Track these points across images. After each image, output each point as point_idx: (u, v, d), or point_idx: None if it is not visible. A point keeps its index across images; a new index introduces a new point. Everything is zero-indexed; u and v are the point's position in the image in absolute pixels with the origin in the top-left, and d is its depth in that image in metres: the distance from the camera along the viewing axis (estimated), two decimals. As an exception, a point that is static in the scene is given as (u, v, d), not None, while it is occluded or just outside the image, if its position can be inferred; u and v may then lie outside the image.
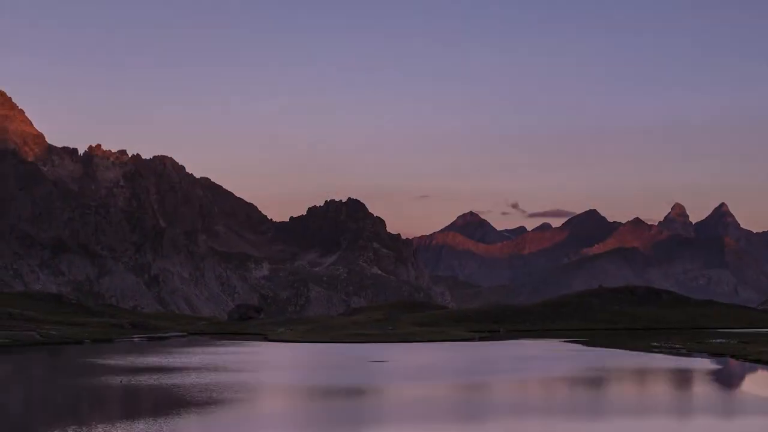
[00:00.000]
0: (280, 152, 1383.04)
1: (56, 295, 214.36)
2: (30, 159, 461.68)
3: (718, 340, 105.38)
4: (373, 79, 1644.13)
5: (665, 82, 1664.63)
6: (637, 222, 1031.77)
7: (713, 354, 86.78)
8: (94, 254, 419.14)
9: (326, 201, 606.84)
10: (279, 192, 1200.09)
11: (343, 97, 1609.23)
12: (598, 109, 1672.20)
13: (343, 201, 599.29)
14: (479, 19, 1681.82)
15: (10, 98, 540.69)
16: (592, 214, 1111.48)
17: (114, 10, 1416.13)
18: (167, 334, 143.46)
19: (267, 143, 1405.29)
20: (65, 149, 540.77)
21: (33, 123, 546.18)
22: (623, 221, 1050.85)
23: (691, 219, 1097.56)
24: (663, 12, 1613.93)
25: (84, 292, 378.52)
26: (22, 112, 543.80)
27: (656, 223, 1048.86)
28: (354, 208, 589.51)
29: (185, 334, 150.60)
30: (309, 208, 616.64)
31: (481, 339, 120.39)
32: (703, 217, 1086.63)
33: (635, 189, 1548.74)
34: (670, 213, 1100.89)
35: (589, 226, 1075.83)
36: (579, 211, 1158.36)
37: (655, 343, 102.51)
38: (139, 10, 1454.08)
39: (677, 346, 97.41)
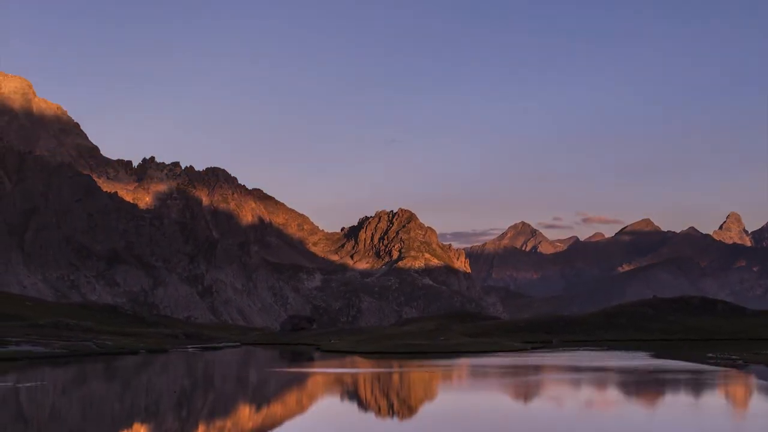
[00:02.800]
0: (331, 162, 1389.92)
1: (112, 305, 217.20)
2: (85, 171, 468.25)
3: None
4: (425, 87, 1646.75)
5: (719, 91, 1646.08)
6: (692, 231, 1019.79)
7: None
8: (148, 265, 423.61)
9: (377, 211, 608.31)
10: (330, 203, 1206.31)
11: (394, 104, 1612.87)
12: (652, 117, 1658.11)
13: (394, 211, 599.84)
14: (538, 32, 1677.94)
15: (66, 111, 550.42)
16: (646, 223, 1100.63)
17: (169, 29, 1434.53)
18: (221, 345, 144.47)
19: (318, 154, 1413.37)
20: (120, 162, 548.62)
21: (88, 136, 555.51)
22: (678, 230, 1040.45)
23: (747, 228, 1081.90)
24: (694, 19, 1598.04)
25: (139, 302, 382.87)
26: (77, 125, 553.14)
27: (711, 233, 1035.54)
28: (405, 218, 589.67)
29: (239, 344, 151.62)
30: (360, 219, 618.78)
31: (533, 349, 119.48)
32: (760, 226, 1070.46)
33: (690, 198, 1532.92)
34: (725, 222, 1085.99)
35: (642, 235, 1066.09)
36: (632, 220, 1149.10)
37: (711, 354, 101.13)
38: (194, 28, 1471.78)
39: (734, 356, 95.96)
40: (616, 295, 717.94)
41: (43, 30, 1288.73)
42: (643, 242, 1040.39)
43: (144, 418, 49.08)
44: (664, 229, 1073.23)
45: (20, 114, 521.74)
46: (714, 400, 54.50)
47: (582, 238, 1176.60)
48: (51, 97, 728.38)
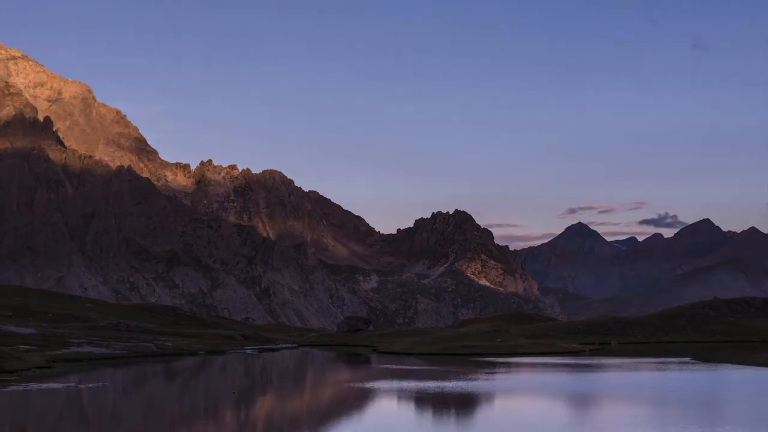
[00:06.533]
0: (387, 165, 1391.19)
1: (171, 307, 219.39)
2: (144, 175, 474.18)
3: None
4: (477, 90, 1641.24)
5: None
6: (752, 231, 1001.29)
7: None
8: (206, 267, 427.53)
9: (433, 213, 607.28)
10: (386, 204, 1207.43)
11: (449, 108, 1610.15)
12: (711, 116, 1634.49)
13: (450, 213, 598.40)
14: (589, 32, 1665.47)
15: (125, 116, 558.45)
16: (706, 223, 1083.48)
17: (226, 35, 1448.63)
18: (278, 346, 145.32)
19: (372, 157, 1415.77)
20: (178, 165, 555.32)
21: (147, 140, 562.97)
22: (738, 231, 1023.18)
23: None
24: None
25: (197, 304, 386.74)
26: (136, 129, 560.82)
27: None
28: (461, 219, 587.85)
29: (296, 345, 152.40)
30: (416, 220, 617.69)
31: (591, 352, 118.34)
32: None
33: (750, 198, 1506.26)
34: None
35: (702, 236, 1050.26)
36: (692, 221, 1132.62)
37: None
38: (249, 33, 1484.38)
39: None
40: (675, 296, 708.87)
41: (103, 35, 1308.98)
42: (702, 243, 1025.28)
43: (203, 419, 49.61)
44: (724, 229, 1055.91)
45: (80, 119, 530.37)
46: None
47: (640, 239, 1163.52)
48: (110, 101, 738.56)
